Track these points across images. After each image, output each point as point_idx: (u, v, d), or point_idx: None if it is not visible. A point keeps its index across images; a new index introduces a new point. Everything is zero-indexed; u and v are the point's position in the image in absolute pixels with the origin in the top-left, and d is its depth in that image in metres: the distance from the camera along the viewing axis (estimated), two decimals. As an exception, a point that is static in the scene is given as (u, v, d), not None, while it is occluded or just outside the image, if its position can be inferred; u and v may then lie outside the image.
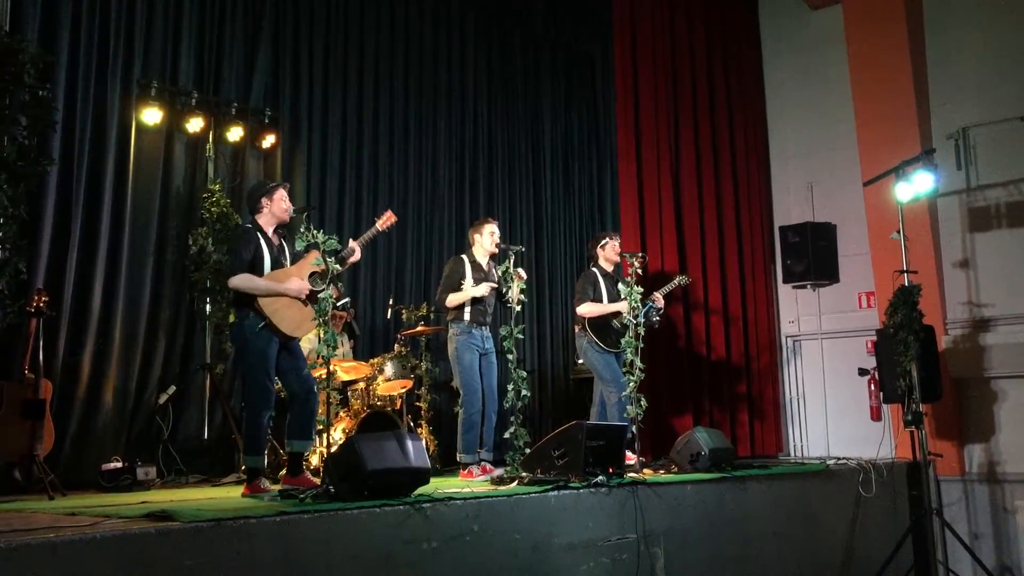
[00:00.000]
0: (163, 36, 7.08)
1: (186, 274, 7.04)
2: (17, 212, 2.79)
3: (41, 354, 5.51)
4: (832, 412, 8.87)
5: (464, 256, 6.35)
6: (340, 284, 6.26)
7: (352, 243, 5.35)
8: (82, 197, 6.41)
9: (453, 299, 6.16)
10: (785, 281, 8.94)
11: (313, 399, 5.15)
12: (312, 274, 5.12)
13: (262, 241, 5.10)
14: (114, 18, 6.70)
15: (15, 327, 5.57)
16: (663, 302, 7.03)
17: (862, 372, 7.82)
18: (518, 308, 5.94)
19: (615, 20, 9.10)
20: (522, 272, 6.04)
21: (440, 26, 9.22)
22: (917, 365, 6.46)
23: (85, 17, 6.51)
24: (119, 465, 5.79)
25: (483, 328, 6.21)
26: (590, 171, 10.52)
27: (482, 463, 6.00)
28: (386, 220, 5.62)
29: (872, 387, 7.86)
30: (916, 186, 6.81)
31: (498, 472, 5.66)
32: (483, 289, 6.14)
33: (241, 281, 4.98)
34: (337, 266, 4.99)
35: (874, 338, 7.58)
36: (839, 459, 7.28)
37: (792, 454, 8.96)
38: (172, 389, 6.78)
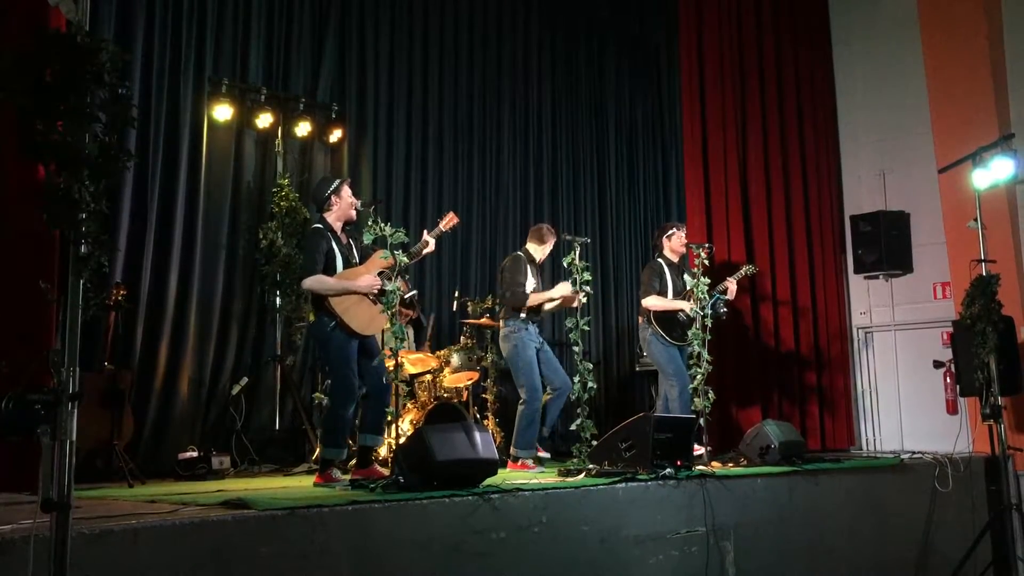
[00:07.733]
0: (233, 34, 7.22)
1: (256, 267, 7.18)
2: (99, 207, 2.85)
3: (120, 346, 5.69)
4: (906, 405, 8.64)
5: (520, 253, 6.39)
6: (407, 276, 6.30)
7: (426, 235, 5.39)
8: (157, 193, 6.59)
9: (535, 299, 6.17)
10: (856, 271, 8.73)
11: (388, 396, 5.20)
12: (382, 271, 5.17)
13: (333, 241, 5.17)
14: (186, 17, 6.85)
15: (96, 320, 5.74)
16: (735, 285, 6.92)
17: (937, 364, 7.61)
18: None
19: (681, 5, 8.99)
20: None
21: (504, 16, 9.23)
22: (996, 357, 6.26)
23: (159, 17, 6.67)
24: (195, 454, 5.95)
25: (536, 324, 6.27)
26: (655, 160, 10.43)
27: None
28: (449, 221, 5.63)
29: (948, 380, 7.65)
30: (994, 173, 6.57)
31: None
32: (564, 289, 6.12)
33: (313, 283, 5.06)
34: (405, 259, 5.03)
35: (950, 330, 7.37)
36: (914, 453, 7.10)
37: (864, 448, 8.76)
38: (245, 380, 6.91)
